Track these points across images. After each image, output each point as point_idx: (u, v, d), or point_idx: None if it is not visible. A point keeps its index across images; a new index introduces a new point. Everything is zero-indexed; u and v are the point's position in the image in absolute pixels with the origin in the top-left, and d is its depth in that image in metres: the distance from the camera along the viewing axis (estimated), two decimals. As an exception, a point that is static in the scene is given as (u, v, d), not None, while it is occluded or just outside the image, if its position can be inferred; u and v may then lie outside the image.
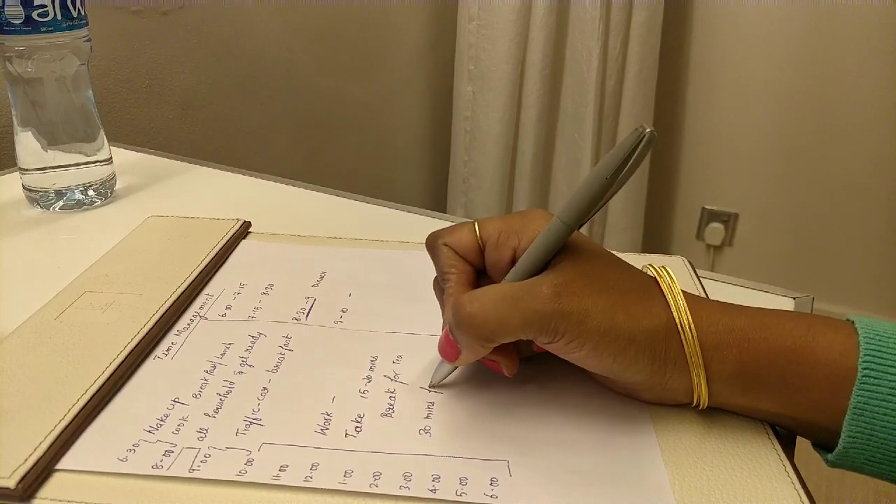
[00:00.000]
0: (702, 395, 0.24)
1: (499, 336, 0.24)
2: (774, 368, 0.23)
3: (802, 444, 0.25)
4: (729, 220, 1.32)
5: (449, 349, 0.25)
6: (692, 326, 0.23)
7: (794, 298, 0.34)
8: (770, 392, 0.23)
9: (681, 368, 0.23)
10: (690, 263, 0.36)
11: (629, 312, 0.23)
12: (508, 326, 0.23)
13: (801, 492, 0.22)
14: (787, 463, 0.23)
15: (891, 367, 0.22)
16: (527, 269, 0.25)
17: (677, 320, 0.23)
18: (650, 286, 0.25)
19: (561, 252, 0.25)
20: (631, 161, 0.22)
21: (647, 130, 0.21)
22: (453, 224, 0.28)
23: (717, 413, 0.25)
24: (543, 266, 0.25)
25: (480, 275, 0.27)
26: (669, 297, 0.24)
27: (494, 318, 0.23)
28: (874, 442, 0.22)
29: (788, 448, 0.24)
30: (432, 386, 0.27)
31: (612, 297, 0.23)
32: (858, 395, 0.22)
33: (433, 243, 0.28)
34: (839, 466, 0.23)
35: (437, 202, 1.22)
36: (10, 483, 0.21)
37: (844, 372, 0.22)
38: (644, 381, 0.24)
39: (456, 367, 0.27)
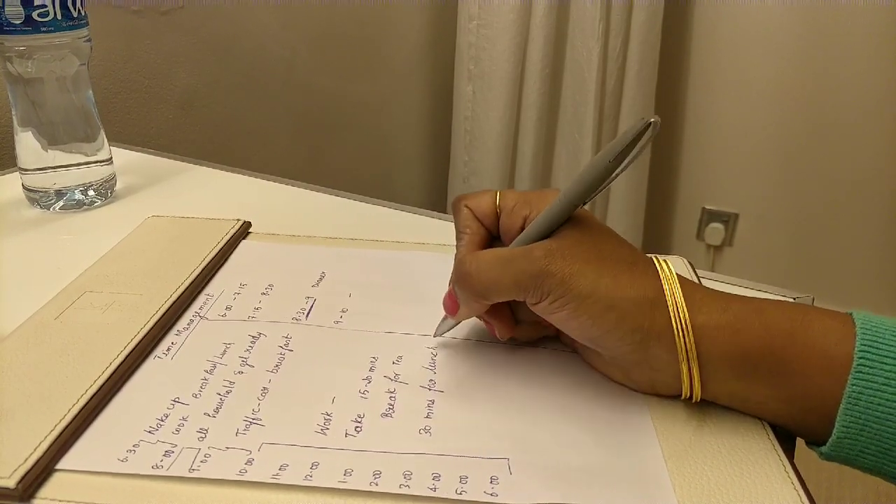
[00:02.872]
0: (694, 382, 0.24)
1: (491, 294, 0.26)
2: (769, 351, 0.23)
3: (802, 445, 0.25)
4: (729, 220, 1.32)
5: (450, 303, 0.27)
6: (682, 301, 0.23)
7: (794, 298, 0.34)
8: (765, 378, 0.23)
9: (666, 345, 0.23)
10: (690, 263, 0.36)
11: (615, 280, 0.24)
12: (500, 286, 0.25)
13: (801, 492, 0.22)
14: (787, 463, 0.23)
15: (886, 356, 0.22)
16: (529, 236, 0.26)
17: (667, 292, 0.24)
18: (645, 262, 0.25)
19: (564, 224, 0.26)
20: (635, 148, 0.23)
21: (652, 119, 0.22)
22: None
23: (716, 412, 0.25)
24: (545, 236, 0.26)
25: (495, 240, 0.29)
26: (663, 277, 0.24)
27: (487, 277, 0.25)
28: (867, 432, 0.22)
29: (788, 448, 0.24)
30: (435, 336, 0.30)
31: (600, 264, 0.24)
32: (853, 385, 0.22)
33: (456, 204, 0.29)
34: (833, 459, 0.23)
35: (437, 202, 1.23)
36: (11, 483, 0.21)
37: (840, 358, 0.22)
38: (628, 353, 0.24)
39: (457, 323, 0.29)
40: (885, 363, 0.22)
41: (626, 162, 0.23)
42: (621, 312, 0.23)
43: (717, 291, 0.25)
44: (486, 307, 0.26)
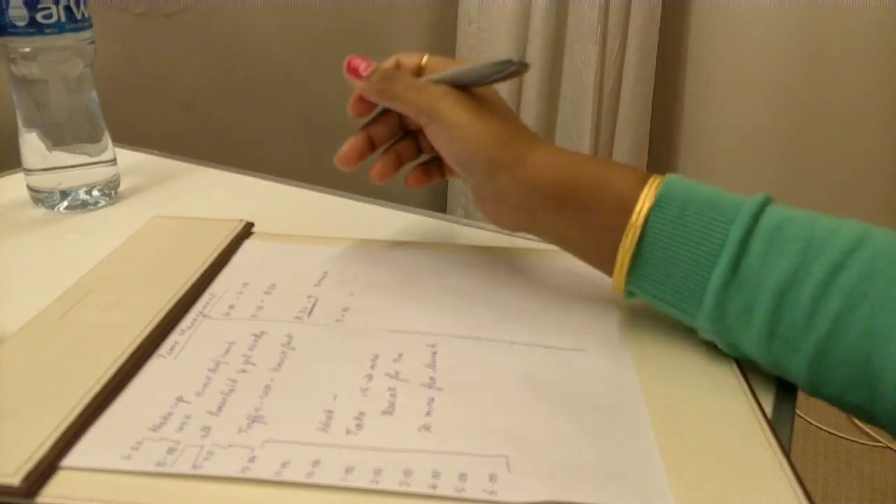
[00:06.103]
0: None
1: (397, 101, 0.33)
2: (576, 187, 0.29)
3: (800, 443, 0.25)
4: (728, 221, 1.32)
5: (357, 72, 0.34)
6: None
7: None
8: (573, 210, 0.30)
9: (510, 173, 0.31)
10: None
11: (484, 122, 0.31)
12: (407, 99, 0.32)
13: (798, 489, 0.22)
14: (784, 460, 0.23)
15: (675, 198, 0.27)
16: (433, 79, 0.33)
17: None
18: (513, 119, 0.33)
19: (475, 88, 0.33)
20: (502, 74, 0.31)
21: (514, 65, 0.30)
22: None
23: (714, 409, 0.26)
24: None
25: None
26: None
27: (403, 89, 0.33)
28: (654, 261, 0.28)
29: (785, 445, 0.24)
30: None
31: (479, 110, 0.31)
32: (650, 218, 0.27)
33: (393, 59, 0.36)
34: (628, 290, 0.29)
35: (436, 202, 1.23)
36: (15, 480, 0.21)
37: (628, 199, 0.28)
38: (485, 181, 0.32)
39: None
40: (674, 205, 0.27)
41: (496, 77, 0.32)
42: (481, 143, 0.31)
43: (561, 148, 0.32)
44: (382, 103, 0.34)
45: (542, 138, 0.33)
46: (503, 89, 1.30)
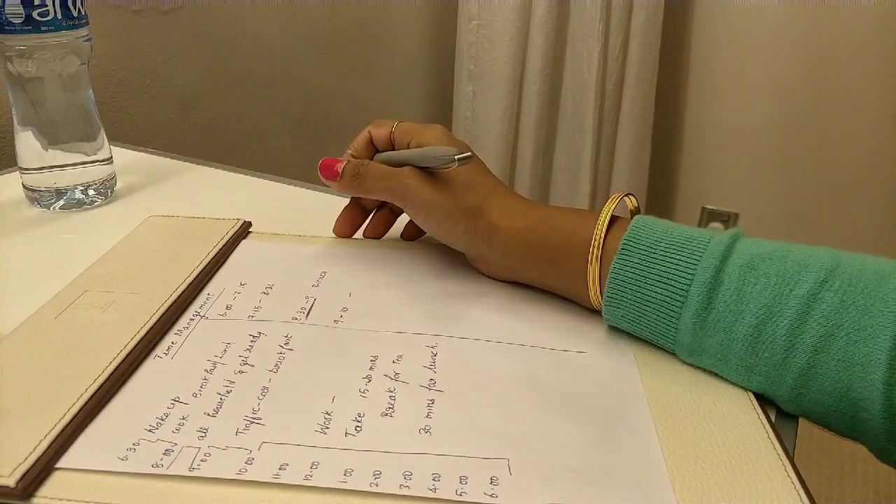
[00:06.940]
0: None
1: (372, 192, 0.35)
2: (552, 245, 0.31)
3: (804, 445, 0.25)
4: (729, 219, 1.32)
5: (330, 172, 0.36)
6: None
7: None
8: (550, 264, 0.31)
9: (487, 243, 0.33)
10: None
11: (453, 197, 0.33)
12: (378, 189, 0.34)
13: (801, 491, 0.22)
14: (788, 463, 0.23)
15: (642, 242, 0.28)
16: (390, 159, 0.35)
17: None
18: (477, 189, 0.34)
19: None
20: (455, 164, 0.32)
21: (457, 159, 0.32)
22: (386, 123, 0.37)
23: (717, 412, 0.25)
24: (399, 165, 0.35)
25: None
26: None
27: (373, 180, 0.35)
28: (627, 301, 0.28)
29: (789, 448, 0.24)
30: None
31: (445, 188, 0.33)
32: (617, 261, 0.28)
33: (368, 128, 0.38)
34: (610, 321, 0.30)
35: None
36: (10, 481, 0.21)
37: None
38: (468, 249, 0.34)
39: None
40: (641, 246, 0.28)
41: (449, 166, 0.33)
42: (454, 219, 0.33)
43: (526, 202, 0.33)
44: (360, 195, 0.37)
45: (511, 195, 0.34)
46: (504, 88, 1.27)
